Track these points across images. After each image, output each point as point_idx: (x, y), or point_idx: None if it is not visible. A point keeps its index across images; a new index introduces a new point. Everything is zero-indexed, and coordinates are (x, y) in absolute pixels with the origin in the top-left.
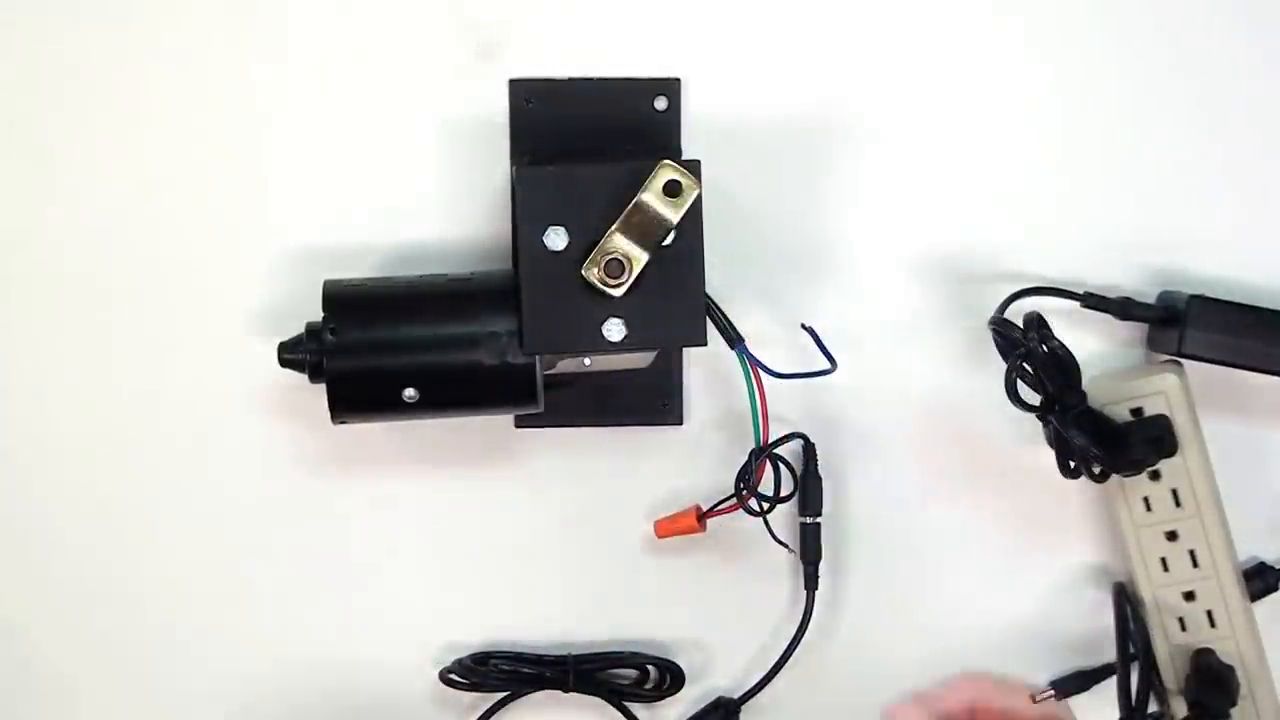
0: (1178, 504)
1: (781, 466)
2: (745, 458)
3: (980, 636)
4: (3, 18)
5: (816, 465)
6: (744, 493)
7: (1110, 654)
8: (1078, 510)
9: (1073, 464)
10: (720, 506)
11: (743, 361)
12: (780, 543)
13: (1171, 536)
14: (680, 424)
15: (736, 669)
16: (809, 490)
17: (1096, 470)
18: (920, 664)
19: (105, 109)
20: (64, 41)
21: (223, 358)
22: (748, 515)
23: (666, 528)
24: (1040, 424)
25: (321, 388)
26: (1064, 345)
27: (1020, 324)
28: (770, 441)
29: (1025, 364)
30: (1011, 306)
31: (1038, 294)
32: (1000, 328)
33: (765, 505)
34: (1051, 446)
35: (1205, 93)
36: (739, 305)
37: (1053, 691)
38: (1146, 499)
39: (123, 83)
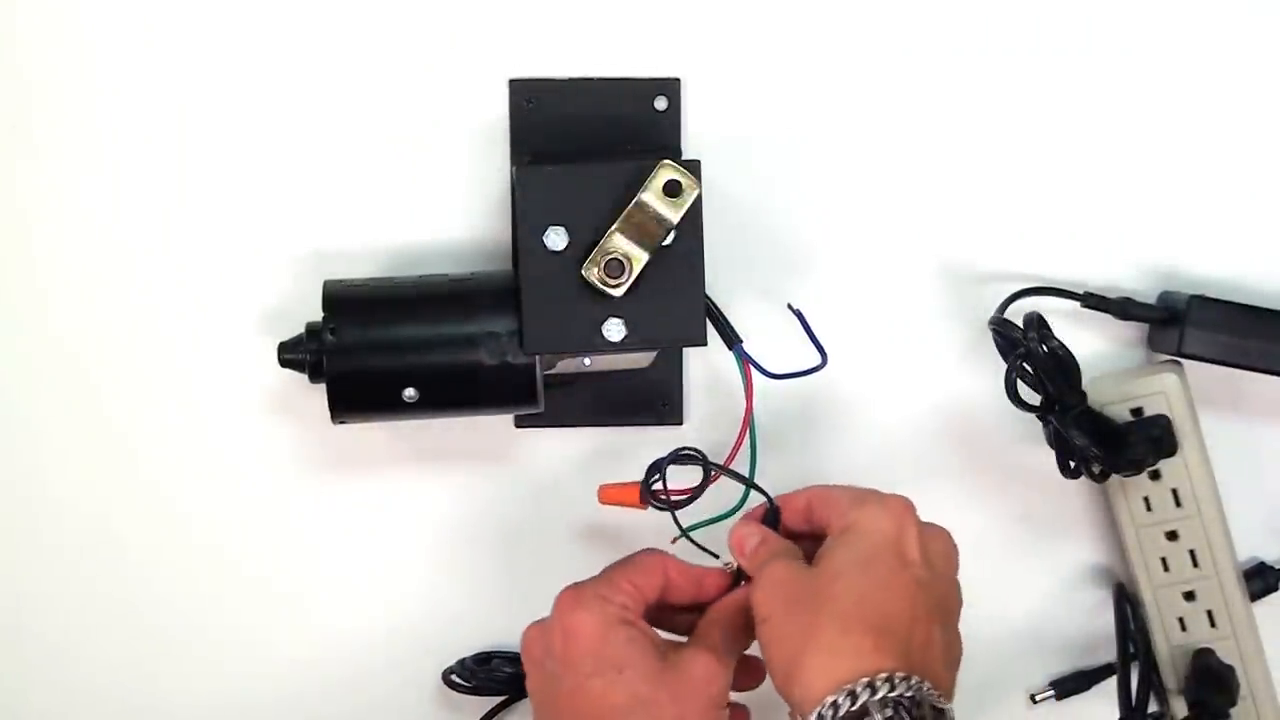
0: (1178, 504)
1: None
2: (745, 460)
3: (980, 636)
4: (4, 17)
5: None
6: (653, 489)
7: (1110, 654)
8: (1078, 510)
9: (1073, 464)
10: (663, 492)
11: (739, 362)
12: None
13: (1172, 536)
14: (680, 424)
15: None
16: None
17: (1096, 470)
18: None
19: (106, 109)
20: (67, 41)
21: (224, 358)
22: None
23: (610, 496)
24: (1040, 424)
25: (321, 388)
26: (1064, 345)
27: (1020, 324)
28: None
29: (1025, 364)
30: (1011, 306)
31: (1038, 294)
32: (1000, 328)
33: (664, 505)
34: (1051, 446)
35: (1205, 93)
36: (738, 305)
37: (1053, 692)
38: (1147, 499)
39: (123, 82)
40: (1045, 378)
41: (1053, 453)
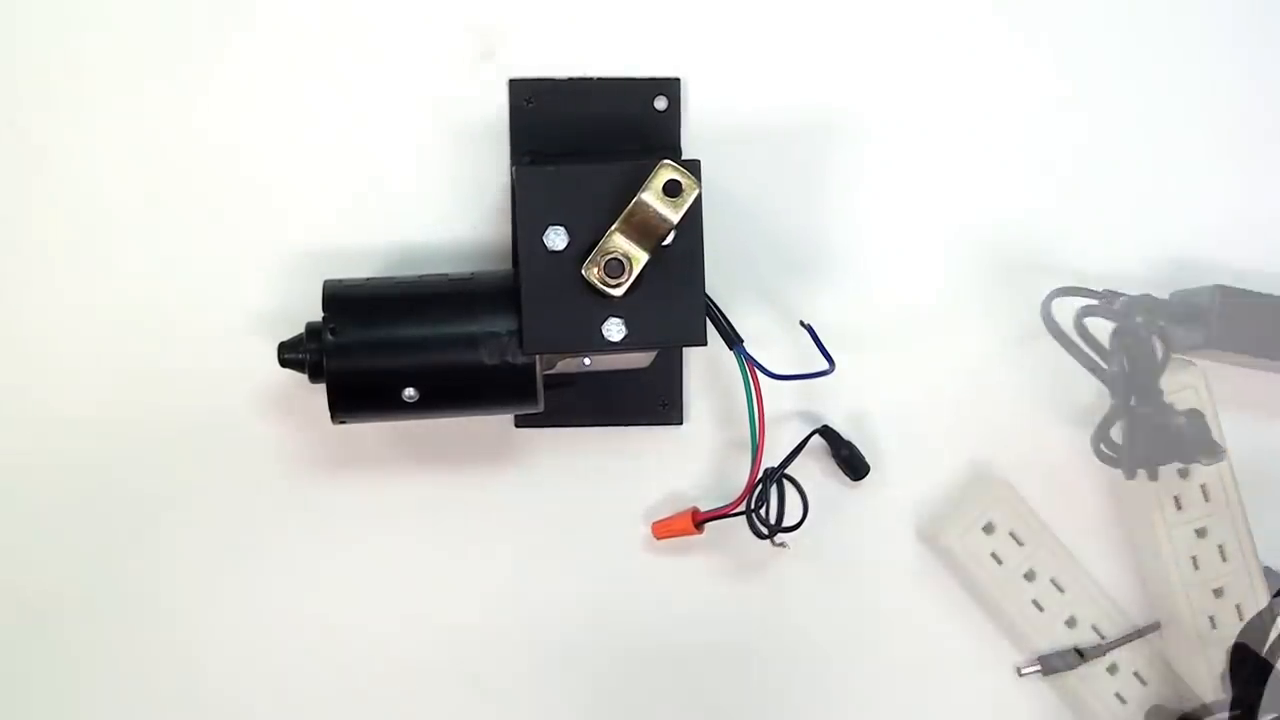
0: (1206, 499)
1: (789, 486)
2: (746, 460)
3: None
4: (2, 17)
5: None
6: (754, 518)
7: None
8: (1090, 513)
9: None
10: (716, 513)
11: (741, 363)
12: (779, 544)
13: (1200, 533)
14: (680, 424)
15: (737, 665)
16: (855, 462)
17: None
18: (921, 663)
19: (104, 108)
20: (63, 40)
21: (223, 358)
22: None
23: (664, 530)
24: (1046, 426)
25: (321, 388)
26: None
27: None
28: (784, 457)
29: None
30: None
31: (1068, 295)
32: (1112, 316)
33: (768, 529)
34: (1101, 445)
35: (1213, 92)
36: (739, 305)
37: (1039, 667)
38: (1177, 498)
39: (122, 81)
40: (1141, 367)
41: (1053, 453)
